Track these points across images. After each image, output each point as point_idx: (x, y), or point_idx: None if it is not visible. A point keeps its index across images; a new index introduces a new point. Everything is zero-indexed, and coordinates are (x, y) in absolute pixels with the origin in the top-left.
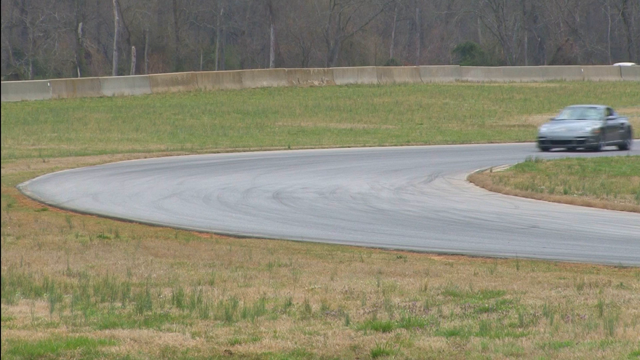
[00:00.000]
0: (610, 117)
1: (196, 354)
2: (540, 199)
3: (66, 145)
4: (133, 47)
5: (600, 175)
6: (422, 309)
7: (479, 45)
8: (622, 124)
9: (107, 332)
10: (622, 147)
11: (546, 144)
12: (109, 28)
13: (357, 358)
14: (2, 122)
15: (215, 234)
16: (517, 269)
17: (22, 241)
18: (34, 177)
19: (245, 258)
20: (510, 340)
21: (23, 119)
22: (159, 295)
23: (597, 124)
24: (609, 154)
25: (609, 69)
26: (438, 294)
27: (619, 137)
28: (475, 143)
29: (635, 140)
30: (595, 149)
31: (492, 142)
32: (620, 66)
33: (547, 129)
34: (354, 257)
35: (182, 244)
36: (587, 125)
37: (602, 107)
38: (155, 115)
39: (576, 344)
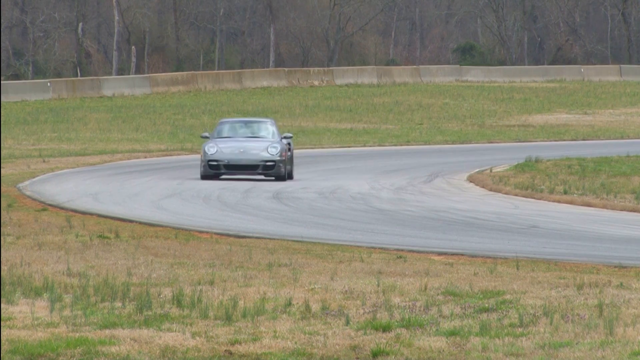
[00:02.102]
0: (283, 135)
1: (196, 354)
2: (540, 199)
3: (66, 145)
4: (133, 47)
5: (600, 175)
6: (422, 309)
7: (479, 45)
8: (289, 144)
9: (107, 332)
10: (288, 175)
11: (219, 169)
12: (109, 28)
13: (357, 358)
14: (2, 122)
15: (215, 234)
16: (517, 269)
17: (22, 241)
18: (34, 177)
19: (245, 258)
20: (510, 340)
21: (23, 119)
22: (159, 295)
23: (278, 145)
24: (609, 154)
25: (609, 69)
26: (438, 294)
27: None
28: (475, 143)
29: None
30: (285, 177)
31: (492, 142)
32: (620, 66)
33: (218, 149)
34: (354, 257)
35: (182, 244)
36: (269, 145)
37: (268, 120)
38: (155, 115)
39: (576, 344)
